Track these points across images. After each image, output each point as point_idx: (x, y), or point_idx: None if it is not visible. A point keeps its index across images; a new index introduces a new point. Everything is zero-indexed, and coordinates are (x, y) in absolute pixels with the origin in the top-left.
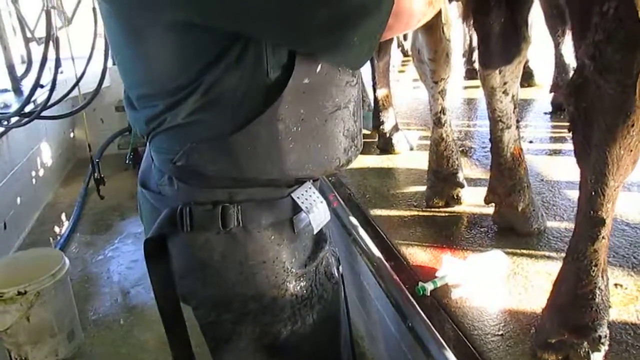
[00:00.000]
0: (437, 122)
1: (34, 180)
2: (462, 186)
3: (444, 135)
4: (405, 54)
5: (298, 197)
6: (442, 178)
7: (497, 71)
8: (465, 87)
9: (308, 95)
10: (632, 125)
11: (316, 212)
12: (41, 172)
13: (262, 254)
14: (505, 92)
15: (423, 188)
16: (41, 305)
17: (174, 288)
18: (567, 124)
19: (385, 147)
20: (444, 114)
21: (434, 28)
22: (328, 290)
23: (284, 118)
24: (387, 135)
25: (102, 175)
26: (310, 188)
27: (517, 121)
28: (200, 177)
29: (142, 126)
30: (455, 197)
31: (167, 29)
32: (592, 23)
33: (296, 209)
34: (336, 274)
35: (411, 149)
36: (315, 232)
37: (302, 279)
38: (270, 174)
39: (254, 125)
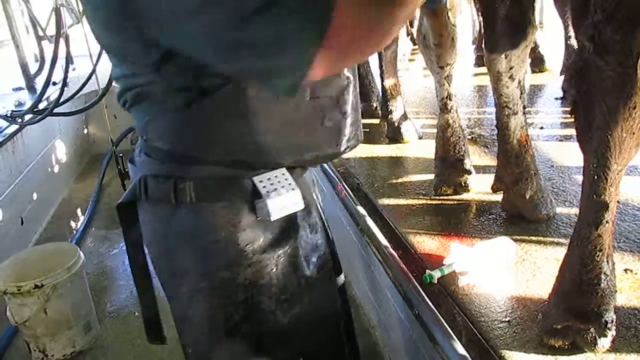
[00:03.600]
0: (444, 108)
1: (49, 177)
2: (469, 173)
3: (451, 121)
4: (415, 42)
5: (261, 181)
6: (450, 165)
7: (503, 55)
8: (475, 75)
9: None
10: (634, 108)
11: (278, 198)
12: (56, 169)
13: (213, 233)
14: (511, 77)
15: (432, 176)
16: (58, 298)
17: (143, 253)
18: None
19: (394, 136)
20: (450, 99)
21: (439, 13)
22: (292, 284)
23: (242, 99)
24: (396, 124)
25: (127, 169)
26: (283, 174)
27: (524, 107)
28: (158, 151)
29: (121, 105)
30: (463, 185)
31: None
32: (591, 3)
33: (258, 192)
34: (306, 271)
35: (420, 137)
36: (272, 218)
37: (257, 265)
38: (226, 155)
39: (210, 100)
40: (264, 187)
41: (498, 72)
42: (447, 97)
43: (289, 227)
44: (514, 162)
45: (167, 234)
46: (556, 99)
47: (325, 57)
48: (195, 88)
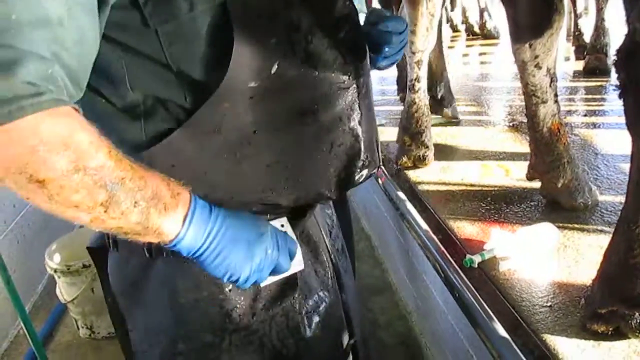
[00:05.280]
0: (412, 88)
1: None
2: (427, 147)
3: (417, 100)
4: (454, 29)
5: None
6: (411, 136)
7: (527, 45)
8: None
9: (262, 102)
10: None
11: None
12: None
13: (195, 291)
14: (537, 66)
15: (471, 163)
16: None
17: (114, 297)
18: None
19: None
20: (419, 82)
21: (416, 3)
22: (289, 347)
23: (220, 130)
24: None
25: None
26: (282, 225)
27: (556, 95)
28: None
29: None
30: (422, 158)
31: None
32: None
33: None
34: (306, 332)
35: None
36: (262, 284)
37: (246, 329)
38: (207, 196)
39: (175, 137)
40: None
41: (523, 61)
42: (415, 79)
43: (285, 286)
44: (544, 150)
45: (140, 285)
46: (613, 90)
47: None
48: (153, 119)
